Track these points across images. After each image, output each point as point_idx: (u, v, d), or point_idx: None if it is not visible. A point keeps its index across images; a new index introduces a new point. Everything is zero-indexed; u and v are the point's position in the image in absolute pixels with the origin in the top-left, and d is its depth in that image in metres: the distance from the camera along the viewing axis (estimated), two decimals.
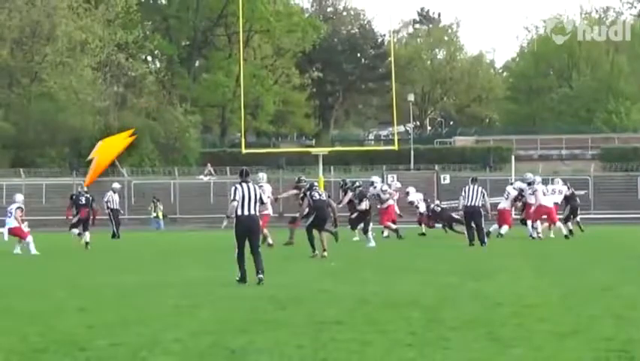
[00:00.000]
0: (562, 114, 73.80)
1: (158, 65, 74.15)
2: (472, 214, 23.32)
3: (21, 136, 56.78)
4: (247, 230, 14.00)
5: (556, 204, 28.48)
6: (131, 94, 64.51)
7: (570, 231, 27.74)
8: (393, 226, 25.92)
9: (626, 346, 7.13)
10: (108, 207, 31.64)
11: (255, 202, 14.10)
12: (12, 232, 23.69)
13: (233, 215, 14.48)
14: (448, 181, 47.41)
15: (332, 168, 48.51)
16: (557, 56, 77.17)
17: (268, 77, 71.31)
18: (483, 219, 24.07)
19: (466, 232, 23.72)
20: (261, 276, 13.48)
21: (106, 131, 58.53)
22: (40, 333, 8.17)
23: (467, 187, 24.55)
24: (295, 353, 7.06)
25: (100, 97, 58.31)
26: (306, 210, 19.98)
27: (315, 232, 18.81)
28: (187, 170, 54.37)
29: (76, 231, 25.64)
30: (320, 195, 19.29)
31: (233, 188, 14.57)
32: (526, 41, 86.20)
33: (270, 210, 24.16)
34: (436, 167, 50.65)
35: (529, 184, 28.69)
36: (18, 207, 24.08)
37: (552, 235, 27.37)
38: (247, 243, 14.07)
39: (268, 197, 23.19)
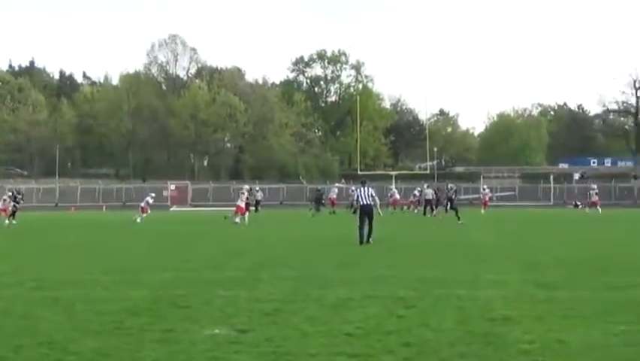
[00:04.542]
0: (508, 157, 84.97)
1: (320, 133, 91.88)
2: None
3: (258, 164, 79.16)
4: (366, 214, 15.27)
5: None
6: (309, 147, 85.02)
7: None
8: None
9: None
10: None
11: (368, 197, 15.29)
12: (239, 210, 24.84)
13: (356, 204, 15.99)
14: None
15: (398, 181, 57.38)
16: (506, 130, 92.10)
17: (370, 139, 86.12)
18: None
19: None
20: (370, 240, 14.86)
21: (293, 164, 78.78)
22: None
23: (424, 189, 29.66)
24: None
25: (292, 147, 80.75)
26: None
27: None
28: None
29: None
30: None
31: (355, 189, 17.09)
32: (490, 120, 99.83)
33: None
34: (447, 181, 54.14)
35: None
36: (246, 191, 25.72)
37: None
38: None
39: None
